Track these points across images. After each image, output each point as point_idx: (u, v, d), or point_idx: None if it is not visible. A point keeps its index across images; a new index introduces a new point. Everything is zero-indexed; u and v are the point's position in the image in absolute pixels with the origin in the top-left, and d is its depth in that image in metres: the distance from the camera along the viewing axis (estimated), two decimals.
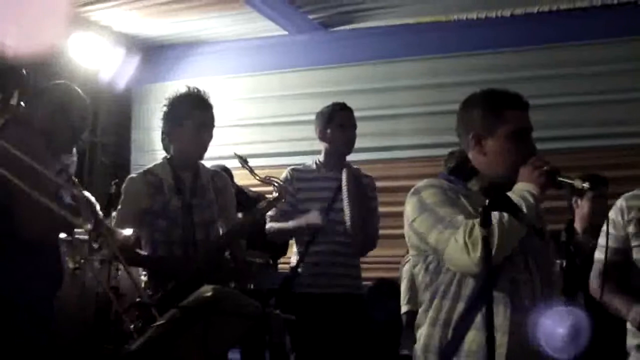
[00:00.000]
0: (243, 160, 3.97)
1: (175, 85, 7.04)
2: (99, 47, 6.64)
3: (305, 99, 6.73)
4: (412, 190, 2.73)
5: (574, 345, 2.53)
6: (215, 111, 6.52)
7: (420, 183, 2.72)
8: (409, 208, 2.69)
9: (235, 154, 4.00)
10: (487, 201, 2.31)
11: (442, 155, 6.19)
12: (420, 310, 2.72)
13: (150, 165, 3.96)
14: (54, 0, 5.28)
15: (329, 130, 4.59)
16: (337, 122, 4.59)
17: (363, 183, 4.56)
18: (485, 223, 2.29)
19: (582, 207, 4.74)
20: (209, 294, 2.73)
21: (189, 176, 3.89)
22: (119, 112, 7.26)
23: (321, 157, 4.66)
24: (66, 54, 6.37)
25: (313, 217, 4.36)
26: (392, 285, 5.45)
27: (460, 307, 2.57)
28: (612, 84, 6.04)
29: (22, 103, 2.99)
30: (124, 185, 3.88)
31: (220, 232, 3.92)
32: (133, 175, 3.99)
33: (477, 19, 6.43)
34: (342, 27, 6.81)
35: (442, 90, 6.42)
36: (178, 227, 3.78)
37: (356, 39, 6.75)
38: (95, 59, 6.66)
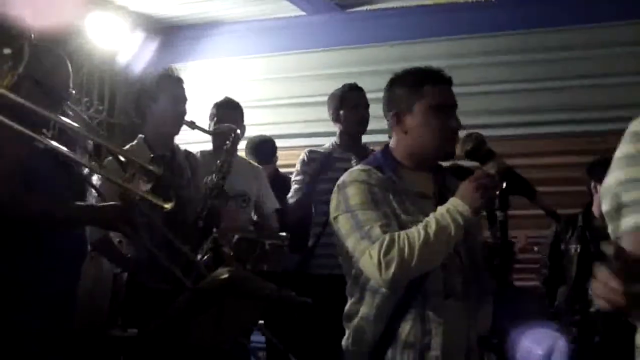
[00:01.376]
0: (190, 124, 3.97)
1: (193, 66, 7.18)
2: (116, 27, 6.62)
3: (322, 80, 6.68)
4: (338, 182, 2.68)
5: None
6: (233, 92, 6.56)
7: (347, 175, 2.67)
8: (333, 203, 2.65)
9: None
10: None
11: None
12: (350, 302, 2.69)
13: (127, 146, 3.90)
14: None
15: (341, 112, 4.64)
16: (350, 103, 4.63)
17: None
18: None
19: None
20: (225, 276, 2.71)
21: (165, 157, 3.87)
22: (136, 93, 7.22)
23: (336, 139, 4.69)
24: (83, 34, 6.35)
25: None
26: None
27: (392, 300, 2.54)
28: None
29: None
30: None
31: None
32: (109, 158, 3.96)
33: (495, 0, 6.38)
34: (359, 8, 6.78)
35: (459, 72, 6.29)
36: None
37: (373, 20, 6.72)
38: (112, 39, 6.64)
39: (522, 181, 2.44)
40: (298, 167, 4.70)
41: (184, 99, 3.92)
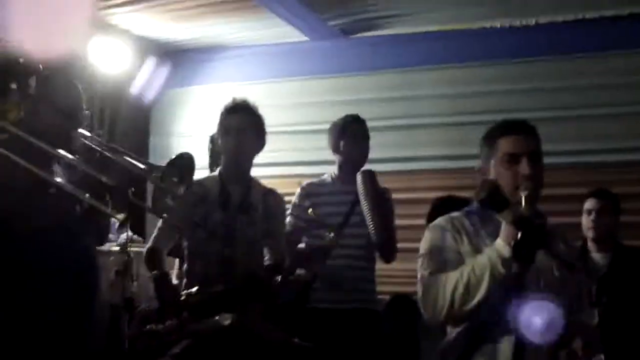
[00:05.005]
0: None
1: (194, 91, 7.14)
2: (119, 51, 6.56)
3: (325, 107, 6.62)
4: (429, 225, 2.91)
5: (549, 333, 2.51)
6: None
7: (437, 219, 2.89)
8: (421, 243, 2.87)
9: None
10: (519, 235, 2.40)
11: (461, 168, 6.18)
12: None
13: (203, 177, 3.87)
14: (74, 3, 5.24)
15: (342, 143, 4.55)
16: (350, 134, 4.54)
17: (379, 187, 4.46)
18: (518, 257, 2.43)
19: (585, 224, 4.71)
20: (227, 322, 2.71)
21: (237, 191, 3.81)
22: (137, 118, 7.18)
23: (336, 170, 4.60)
24: (86, 58, 6.31)
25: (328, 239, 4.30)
26: (409, 301, 5.36)
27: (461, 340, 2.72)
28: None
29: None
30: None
31: (266, 258, 3.84)
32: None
33: (500, 28, 6.34)
34: (362, 34, 6.71)
35: (463, 101, 6.34)
36: (217, 241, 3.70)
37: (376, 47, 6.66)
38: (115, 63, 6.58)
39: (539, 230, 2.43)
40: (295, 200, 4.58)
41: (234, 130, 3.81)
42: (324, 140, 6.35)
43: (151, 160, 7.11)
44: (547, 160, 5.69)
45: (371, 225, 4.28)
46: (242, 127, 3.83)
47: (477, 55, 6.34)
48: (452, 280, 2.60)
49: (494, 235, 2.66)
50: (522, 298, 2.49)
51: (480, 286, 2.56)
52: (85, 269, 3.13)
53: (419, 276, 2.76)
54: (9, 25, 5.47)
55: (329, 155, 6.07)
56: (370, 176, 4.39)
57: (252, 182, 3.90)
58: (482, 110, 6.19)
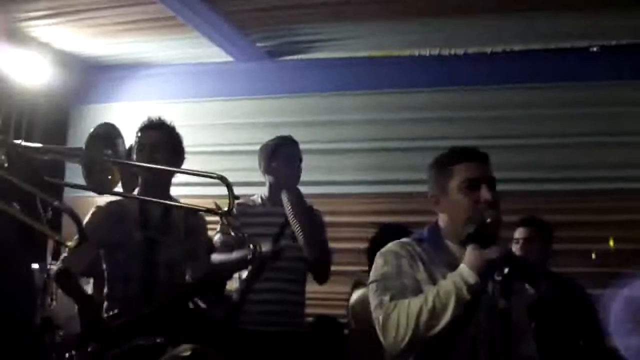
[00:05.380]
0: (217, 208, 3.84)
1: (114, 107, 6.99)
2: (37, 64, 6.37)
3: (249, 129, 6.59)
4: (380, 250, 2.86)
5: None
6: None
7: (388, 245, 2.85)
8: (372, 269, 2.82)
9: (216, 205, 3.85)
10: (505, 271, 2.43)
11: (385, 193, 6.23)
12: None
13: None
14: None
15: (273, 164, 4.46)
16: (282, 156, 4.46)
17: (308, 204, 4.41)
18: (506, 294, 2.44)
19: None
20: (187, 353, 2.62)
21: (157, 210, 3.69)
22: (55, 133, 6.98)
23: (266, 192, 4.51)
24: (2, 71, 6.12)
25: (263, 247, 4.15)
26: (333, 322, 5.35)
27: None
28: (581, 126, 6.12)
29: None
30: (90, 213, 3.62)
31: (187, 277, 3.73)
32: (99, 204, 3.71)
33: (429, 56, 6.41)
34: (288, 57, 6.69)
35: (389, 126, 6.38)
36: (138, 263, 3.58)
37: (304, 70, 6.65)
38: (33, 76, 6.38)
39: (526, 267, 2.44)
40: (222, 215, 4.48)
41: (145, 147, 3.71)
42: (245, 161, 6.32)
43: (68, 178, 6.98)
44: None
45: (303, 242, 4.23)
46: (155, 144, 3.73)
47: (403, 82, 6.39)
48: (415, 306, 2.57)
49: (448, 263, 2.69)
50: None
51: (446, 312, 2.53)
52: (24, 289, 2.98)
53: (375, 302, 2.70)
54: None
55: (250, 176, 6.00)
56: (295, 194, 4.34)
57: (173, 201, 3.77)
58: (406, 137, 6.27)
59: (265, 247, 4.09)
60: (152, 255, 3.60)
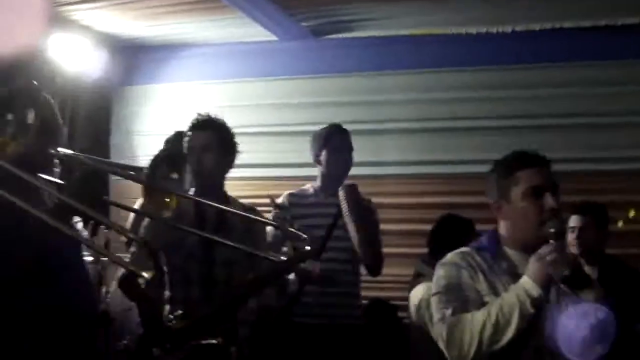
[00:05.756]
0: (277, 207, 3.87)
1: (157, 89, 6.97)
2: (79, 47, 6.36)
3: (292, 109, 6.56)
4: (441, 260, 2.85)
5: (596, 348, 2.53)
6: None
7: (447, 256, 2.84)
8: (434, 280, 2.82)
9: (272, 199, 3.94)
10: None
11: (429, 174, 6.13)
12: None
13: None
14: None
15: (323, 154, 4.43)
16: (332, 146, 4.42)
17: (363, 202, 4.38)
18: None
19: (569, 241, 4.66)
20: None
21: (213, 209, 3.63)
22: (98, 115, 7.00)
23: (318, 182, 4.49)
24: (45, 55, 6.11)
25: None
26: (386, 306, 5.43)
27: None
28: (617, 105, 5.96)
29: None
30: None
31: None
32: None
33: (476, 34, 6.25)
34: (333, 36, 6.58)
35: (433, 106, 6.29)
36: (196, 265, 3.56)
37: (347, 49, 6.54)
38: (75, 60, 6.37)
39: (579, 274, 2.52)
40: (278, 210, 4.44)
41: (199, 147, 3.72)
42: (290, 142, 6.31)
43: (112, 159, 7.00)
44: None
45: (358, 243, 4.22)
46: (206, 145, 3.71)
47: (449, 61, 6.27)
48: (479, 321, 2.56)
49: (508, 273, 2.69)
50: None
51: (510, 326, 2.53)
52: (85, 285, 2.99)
53: (438, 315, 2.70)
54: None
55: (294, 157, 5.99)
56: (352, 191, 4.30)
57: (229, 200, 3.76)
58: (451, 117, 6.17)
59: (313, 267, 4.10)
60: (210, 256, 3.57)
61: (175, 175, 2.38)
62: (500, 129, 6.06)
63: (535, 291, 2.52)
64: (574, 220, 4.66)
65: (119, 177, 6.78)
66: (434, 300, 2.76)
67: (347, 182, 4.39)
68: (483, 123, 6.12)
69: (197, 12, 6.08)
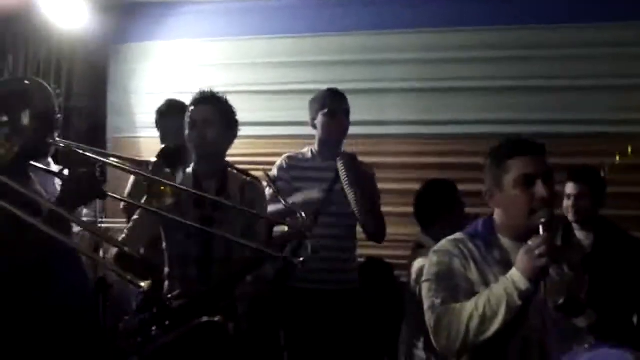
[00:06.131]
0: (271, 181, 3.81)
1: (154, 46, 6.90)
2: (73, 5, 6.26)
3: (290, 68, 6.49)
4: (434, 247, 2.87)
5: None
6: (196, 75, 6.27)
7: (440, 243, 2.86)
8: (426, 266, 2.84)
9: (266, 174, 3.88)
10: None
11: (431, 134, 6.09)
12: None
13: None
14: None
15: (319, 118, 4.42)
16: (327, 109, 4.40)
17: (363, 169, 4.38)
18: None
19: (565, 207, 4.69)
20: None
21: (212, 186, 3.64)
22: (95, 74, 6.93)
23: (315, 146, 4.48)
24: (39, 15, 6.04)
25: (311, 193, 4.23)
26: (382, 264, 5.46)
27: None
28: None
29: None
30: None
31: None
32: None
33: None
34: None
35: (433, 66, 6.19)
36: (195, 243, 3.54)
37: (346, 7, 6.41)
38: (70, 18, 6.27)
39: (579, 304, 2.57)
40: (275, 172, 4.43)
41: (199, 121, 3.67)
42: (288, 101, 6.26)
43: (110, 118, 6.96)
44: (526, 129, 5.61)
45: (358, 212, 4.23)
46: (208, 119, 3.67)
47: (450, 20, 6.15)
48: (466, 311, 2.57)
49: (501, 262, 2.69)
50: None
51: (497, 318, 2.52)
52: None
53: (427, 303, 2.72)
54: None
55: (292, 116, 5.95)
56: (351, 160, 4.33)
57: (228, 175, 3.74)
58: (452, 77, 6.10)
59: (315, 194, 4.17)
60: (209, 234, 3.52)
61: (4, 119, 2.36)
62: (501, 89, 6.01)
63: (523, 284, 2.50)
64: (570, 188, 4.66)
65: (117, 135, 6.87)
66: (424, 287, 2.77)
67: (345, 151, 4.41)
68: (484, 83, 6.05)
69: None
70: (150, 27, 6.98)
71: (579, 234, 4.65)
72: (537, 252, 2.49)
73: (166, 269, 3.67)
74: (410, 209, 4.51)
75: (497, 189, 2.74)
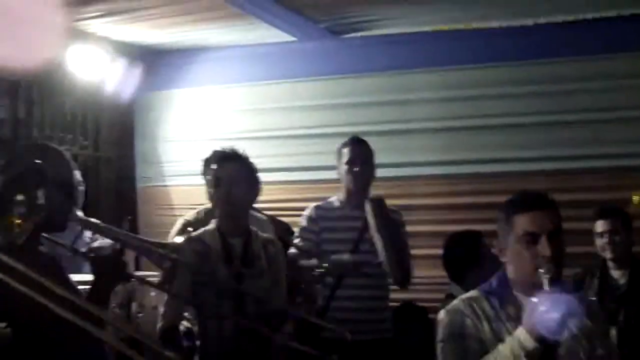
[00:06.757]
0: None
1: (178, 94, 6.93)
2: (98, 57, 6.31)
3: (314, 111, 6.46)
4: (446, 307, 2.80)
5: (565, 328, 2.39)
6: (218, 122, 6.26)
7: (454, 302, 2.79)
8: (439, 326, 2.77)
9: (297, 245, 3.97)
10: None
11: (458, 174, 6.01)
12: None
13: (199, 232, 3.71)
14: (49, 15, 5.06)
15: (342, 167, 4.43)
16: (346, 159, 4.41)
17: (391, 216, 4.34)
18: None
19: (600, 246, 4.66)
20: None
21: (239, 243, 3.64)
22: (122, 124, 6.97)
23: (343, 195, 4.48)
24: (65, 67, 6.09)
25: (342, 257, 4.23)
26: (416, 308, 5.43)
27: None
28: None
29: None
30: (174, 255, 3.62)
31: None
32: (180, 241, 3.74)
33: (498, 28, 6.08)
34: (352, 35, 6.45)
35: (459, 105, 6.12)
36: (228, 300, 3.53)
37: (368, 48, 6.39)
38: (95, 70, 6.32)
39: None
40: (304, 223, 4.47)
41: (228, 181, 3.64)
42: (313, 145, 6.22)
43: (139, 167, 6.98)
44: (555, 165, 5.50)
45: (386, 259, 4.18)
46: (233, 178, 3.65)
47: (472, 57, 6.08)
48: None
49: (515, 318, 2.59)
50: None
51: None
52: None
53: None
54: None
55: (316, 160, 5.91)
56: (378, 205, 4.28)
57: (252, 233, 3.74)
58: (477, 115, 6.03)
59: (345, 257, 4.17)
60: (240, 290, 3.54)
61: (20, 197, 2.31)
62: (528, 125, 5.91)
63: (530, 343, 2.42)
64: (601, 225, 4.61)
65: (146, 184, 6.90)
66: (437, 348, 2.72)
67: (373, 195, 4.39)
68: (509, 120, 5.96)
69: (212, 20, 6.03)
70: (174, 75, 7.01)
71: (615, 272, 4.61)
72: (541, 307, 2.40)
73: (196, 328, 3.67)
74: (441, 251, 4.47)
75: (506, 245, 2.67)
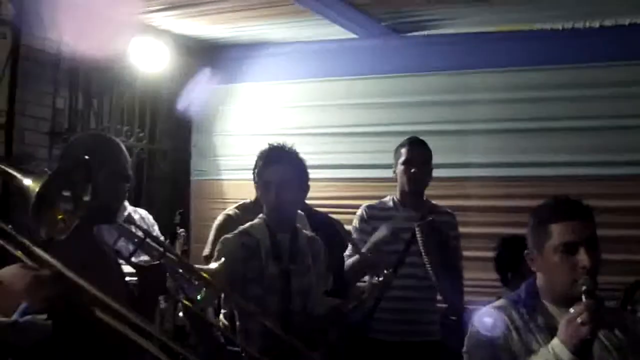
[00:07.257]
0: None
1: (238, 88, 6.95)
2: (159, 50, 6.38)
3: (371, 109, 6.42)
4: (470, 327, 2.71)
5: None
6: (277, 117, 6.25)
7: (482, 310, 2.69)
8: (467, 336, 2.71)
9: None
10: None
11: (515, 177, 5.92)
12: None
13: (247, 225, 3.63)
14: (113, 7, 5.13)
15: (398, 167, 4.35)
16: (403, 159, 4.33)
17: (442, 230, 4.27)
18: None
19: None
20: None
21: (286, 239, 3.57)
22: (179, 117, 7.00)
23: (397, 195, 4.40)
24: (125, 59, 6.16)
25: (380, 232, 4.13)
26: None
27: None
28: None
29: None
30: (218, 247, 3.56)
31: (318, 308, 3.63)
32: (228, 235, 3.62)
33: (562, 30, 5.96)
34: (415, 33, 6.40)
35: (517, 106, 6.02)
36: (274, 296, 3.48)
37: (428, 47, 6.34)
38: (155, 63, 6.39)
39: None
40: (356, 223, 4.39)
41: (274, 183, 3.54)
42: (373, 143, 6.19)
43: (194, 160, 7.02)
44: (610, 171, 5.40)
45: (435, 282, 4.16)
46: (283, 180, 3.55)
47: (535, 59, 5.98)
48: None
49: (545, 329, 2.54)
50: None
51: None
52: None
53: None
54: (57, 27, 5.47)
55: (376, 158, 5.86)
56: (428, 228, 4.20)
57: (297, 229, 3.69)
58: (536, 117, 5.92)
59: (383, 231, 4.10)
60: (288, 287, 3.49)
61: (67, 193, 2.28)
62: (587, 129, 5.80)
63: (566, 356, 2.34)
64: None
65: (200, 177, 6.94)
66: (464, 358, 2.67)
67: (426, 220, 4.25)
68: (569, 124, 5.84)
69: (275, 16, 6.04)
70: (234, 69, 7.04)
71: None
72: (579, 320, 2.32)
73: (238, 324, 3.59)
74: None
75: (539, 253, 2.59)
